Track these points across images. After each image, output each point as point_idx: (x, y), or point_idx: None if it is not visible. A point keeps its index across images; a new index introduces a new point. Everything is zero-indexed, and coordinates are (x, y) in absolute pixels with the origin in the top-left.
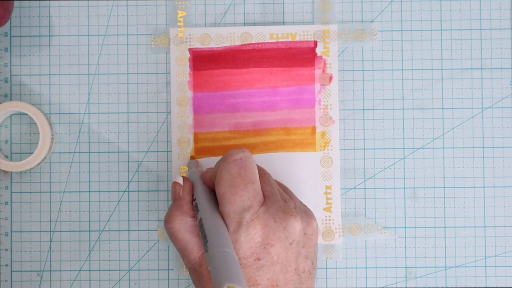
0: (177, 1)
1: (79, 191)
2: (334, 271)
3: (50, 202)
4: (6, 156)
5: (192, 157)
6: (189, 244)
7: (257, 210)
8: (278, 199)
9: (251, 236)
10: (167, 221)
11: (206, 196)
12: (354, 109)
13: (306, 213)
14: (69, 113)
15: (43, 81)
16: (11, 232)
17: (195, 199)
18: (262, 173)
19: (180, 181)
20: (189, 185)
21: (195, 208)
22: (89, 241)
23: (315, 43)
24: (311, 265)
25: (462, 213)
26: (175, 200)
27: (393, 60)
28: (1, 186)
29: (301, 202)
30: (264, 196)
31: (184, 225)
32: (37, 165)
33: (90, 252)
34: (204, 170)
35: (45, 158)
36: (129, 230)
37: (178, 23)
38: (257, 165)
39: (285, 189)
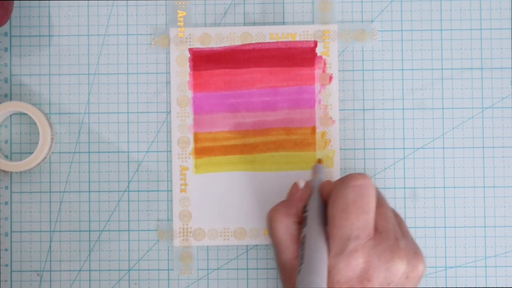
0: (177, 1)
1: (79, 191)
2: None
3: (50, 202)
4: (6, 156)
5: (319, 161)
6: (283, 244)
7: (363, 243)
8: (390, 237)
9: (351, 266)
10: (271, 213)
11: (318, 211)
12: (354, 109)
13: (415, 256)
14: (69, 113)
15: (43, 81)
16: (11, 232)
17: (307, 210)
18: (381, 204)
19: (302, 183)
20: (306, 192)
21: (303, 220)
22: (89, 241)
23: (315, 43)
24: None
25: (462, 213)
26: (288, 200)
27: (393, 60)
28: (1, 186)
29: (413, 240)
30: (376, 230)
31: (284, 225)
32: (37, 165)
33: (90, 252)
34: (326, 180)
35: (45, 158)
36: (129, 230)
37: (178, 23)
38: (378, 195)
39: (400, 222)
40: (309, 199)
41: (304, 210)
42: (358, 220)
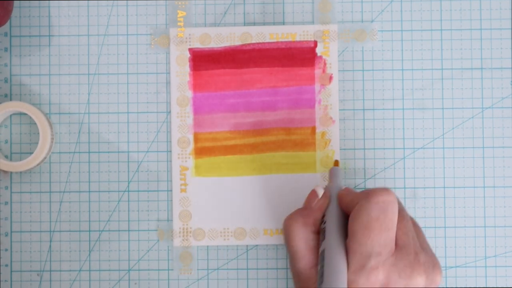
0: (177, 1)
1: (79, 191)
2: None
3: (50, 202)
4: (6, 156)
5: (336, 163)
6: (299, 253)
7: (384, 259)
8: (410, 252)
9: (371, 281)
10: (288, 220)
11: (337, 223)
12: (354, 109)
13: (433, 268)
14: (69, 113)
15: (43, 81)
16: (11, 232)
17: (325, 221)
18: (401, 216)
19: (320, 191)
20: (325, 202)
21: (321, 231)
22: (89, 241)
23: (315, 43)
24: None
25: (462, 213)
26: (306, 208)
27: (393, 60)
28: (1, 186)
29: (431, 251)
30: (397, 245)
31: (301, 234)
32: (37, 165)
33: (90, 252)
34: (344, 188)
35: (45, 158)
36: (129, 230)
37: (178, 23)
38: (399, 207)
39: (418, 232)
40: (327, 209)
41: (322, 220)
42: (380, 237)
